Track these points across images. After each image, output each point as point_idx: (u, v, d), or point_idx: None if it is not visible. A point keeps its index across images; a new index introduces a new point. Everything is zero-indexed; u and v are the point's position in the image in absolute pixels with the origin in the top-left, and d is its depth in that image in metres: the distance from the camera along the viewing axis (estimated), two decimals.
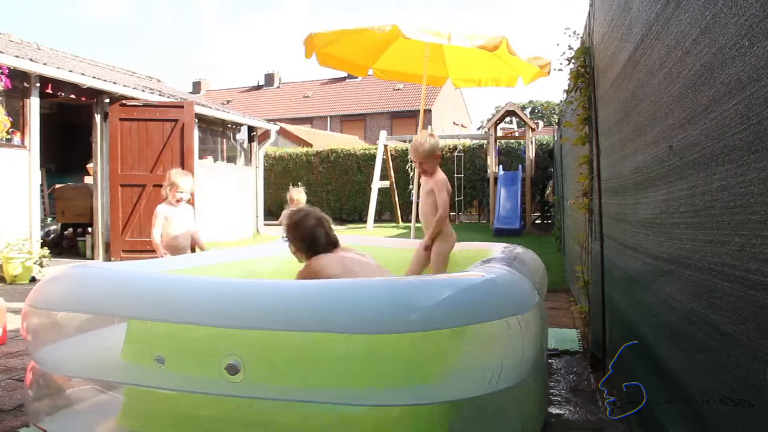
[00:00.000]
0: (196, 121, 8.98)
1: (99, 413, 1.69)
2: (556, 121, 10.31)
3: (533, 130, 13.13)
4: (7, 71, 6.24)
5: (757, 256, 1.04)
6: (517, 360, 1.55)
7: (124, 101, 7.79)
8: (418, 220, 3.86)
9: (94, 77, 7.50)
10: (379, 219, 14.75)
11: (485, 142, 13.81)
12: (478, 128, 30.92)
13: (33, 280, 6.18)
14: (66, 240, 8.59)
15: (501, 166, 13.67)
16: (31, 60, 6.68)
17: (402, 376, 1.43)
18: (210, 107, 10.54)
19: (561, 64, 3.61)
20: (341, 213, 15.97)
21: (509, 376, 1.51)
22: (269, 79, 36.88)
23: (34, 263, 6.22)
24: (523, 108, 45.87)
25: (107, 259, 7.69)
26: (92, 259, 7.83)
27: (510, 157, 14.54)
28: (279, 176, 16.77)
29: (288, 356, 1.43)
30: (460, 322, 1.41)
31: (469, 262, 2.59)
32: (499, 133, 14.46)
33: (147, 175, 7.65)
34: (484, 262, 2.34)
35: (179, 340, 1.52)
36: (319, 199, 15.53)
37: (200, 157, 9.89)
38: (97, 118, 7.81)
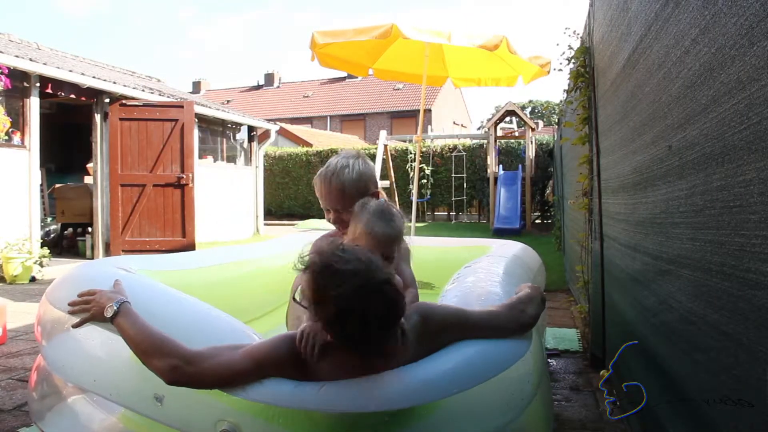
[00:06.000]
0: (196, 120, 8.98)
1: (101, 413, 1.69)
2: (556, 121, 10.31)
3: (533, 130, 13.13)
4: (7, 71, 6.24)
5: (757, 255, 1.04)
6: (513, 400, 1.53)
7: (124, 101, 7.78)
8: (418, 220, 3.80)
9: (94, 77, 7.50)
10: None
11: (485, 142, 13.81)
12: (478, 128, 30.90)
13: (33, 280, 6.18)
14: (66, 240, 8.59)
15: (501, 166, 13.67)
16: (31, 60, 6.68)
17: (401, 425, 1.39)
18: (210, 107, 10.53)
19: (561, 64, 3.62)
20: None
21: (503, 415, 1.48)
22: (269, 79, 36.87)
23: (34, 263, 6.22)
24: (523, 108, 45.88)
25: None
26: (92, 259, 7.83)
27: (510, 157, 14.55)
28: (279, 176, 16.78)
29: (288, 415, 1.37)
30: (459, 388, 1.37)
31: (467, 259, 2.59)
32: (499, 133, 14.46)
33: (147, 174, 7.64)
34: (469, 268, 2.33)
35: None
36: None
37: (200, 157, 9.89)
38: (97, 117, 7.81)
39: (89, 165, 8.60)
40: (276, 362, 1.29)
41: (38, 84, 6.88)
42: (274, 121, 13.05)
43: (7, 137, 6.50)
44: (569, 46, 3.61)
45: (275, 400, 1.26)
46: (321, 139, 22.65)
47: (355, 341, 1.22)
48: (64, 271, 1.95)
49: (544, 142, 14.48)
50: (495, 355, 1.44)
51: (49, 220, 8.89)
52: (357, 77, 32.38)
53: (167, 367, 1.28)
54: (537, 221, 13.94)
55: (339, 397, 1.24)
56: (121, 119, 7.61)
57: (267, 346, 1.32)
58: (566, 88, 3.83)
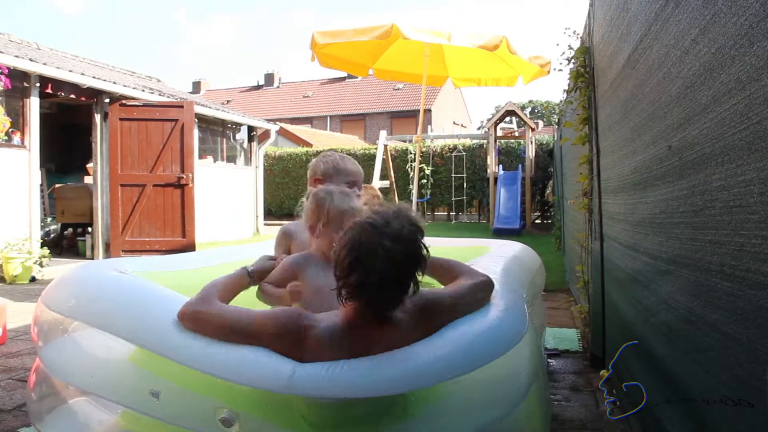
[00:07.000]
0: (196, 120, 8.97)
1: (100, 414, 1.69)
2: (556, 121, 10.31)
3: (533, 130, 13.12)
4: (6, 71, 6.23)
5: (757, 255, 1.04)
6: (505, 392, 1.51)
7: (123, 101, 7.78)
8: None
9: (94, 77, 7.50)
10: None
11: (485, 142, 13.80)
12: (478, 128, 30.89)
13: (33, 280, 6.18)
14: (66, 240, 8.59)
15: (501, 166, 13.67)
16: (31, 60, 6.68)
17: (400, 413, 1.37)
18: (210, 107, 10.53)
19: (561, 64, 3.62)
20: None
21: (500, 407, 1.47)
22: (269, 79, 36.87)
23: (34, 263, 6.22)
24: (523, 108, 45.86)
25: (107, 259, 7.69)
26: (92, 259, 7.83)
27: (510, 157, 14.54)
28: (279, 176, 16.76)
29: (283, 409, 1.36)
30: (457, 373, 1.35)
31: (467, 259, 2.58)
32: (499, 133, 14.45)
33: (147, 174, 7.64)
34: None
35: (177, 376, 1.45)
36: None
37: (200, 157, 9.88)
38: (97, 118, 7.81)
39: (89, 165, 8.60)
40: (273, 334, 1.32)
41: (38, 84, 6.87)
42: (274, 121, 13.04)
43: (7, 137, 6.50)
44: (569, 46, 3.61)
45: (269, 386, 1.25)
46: (321, 139, 22.65)
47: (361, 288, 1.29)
48: (63, 272, 1.95)
49: (544, 142, 14.47)
50: (493, 339, 1.44)
51: (49, 220, 8.88)
52: (357, 77, 32.38)
53: (186, 301, 1.44)
54: (537, 221, 13.93)
55: (335, 381, 1.22)
56: (121, 119, 7.61)
57: (269, 316, 1.37)
58: (566, 88, 3.82)
